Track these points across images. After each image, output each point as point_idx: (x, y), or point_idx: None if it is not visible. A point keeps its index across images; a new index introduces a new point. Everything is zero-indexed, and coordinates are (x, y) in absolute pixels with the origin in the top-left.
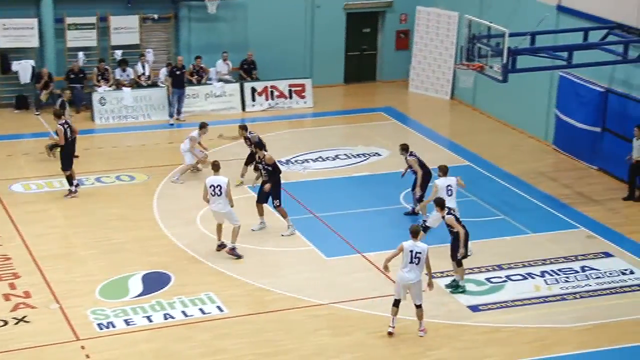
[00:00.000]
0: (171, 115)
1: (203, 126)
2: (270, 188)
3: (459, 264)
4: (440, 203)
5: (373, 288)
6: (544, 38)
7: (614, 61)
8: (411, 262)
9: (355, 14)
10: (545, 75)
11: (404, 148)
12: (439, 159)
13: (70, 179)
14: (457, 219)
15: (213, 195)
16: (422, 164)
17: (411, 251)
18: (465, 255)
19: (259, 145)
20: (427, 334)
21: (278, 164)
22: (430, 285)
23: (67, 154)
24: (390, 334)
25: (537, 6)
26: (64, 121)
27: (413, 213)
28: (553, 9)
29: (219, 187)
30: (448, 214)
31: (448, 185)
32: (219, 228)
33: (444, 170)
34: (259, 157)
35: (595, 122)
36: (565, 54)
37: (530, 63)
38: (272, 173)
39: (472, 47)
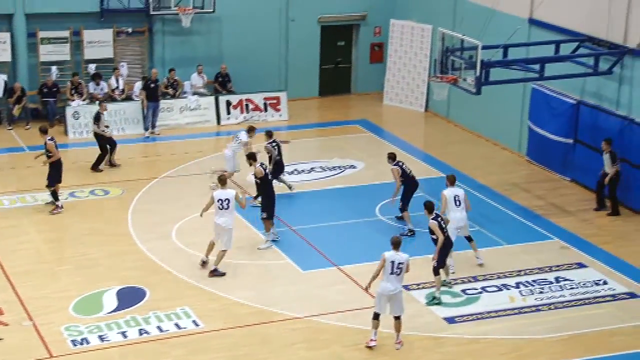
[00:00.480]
0: (146, 129)
1: (251, 129)
2: (262, 200)
3: (435, 272)
4: (429, 207)
5: (349, 301)
6: (516, 51)
7: (584, 73)
8: (392, 272)
9: (329, 27)
10: (518, 88)
11: (390, 157)
12: (414, 171)
13: (55, 194)
14: (441, 226)
15: (220, 209)
16: (405, 175)
17: (392, 262)
18: (442, 265)
19: (251, 156)
20: (403, 347)
21: (267, 177)
22: (367, 285)
23: (56, 170)
24: (370, 347)
25: (509, 19)
26: (51, 136)
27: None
28: (525, 22)
29: (227, 201)
30: (434, 219)
31: (456, 196)
32: (211, 246)
33: (451, 180)
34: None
35: (567, 134)
36: (537, 67)
37: (503, 75)
38: (260, 186)
39: (446, 59)
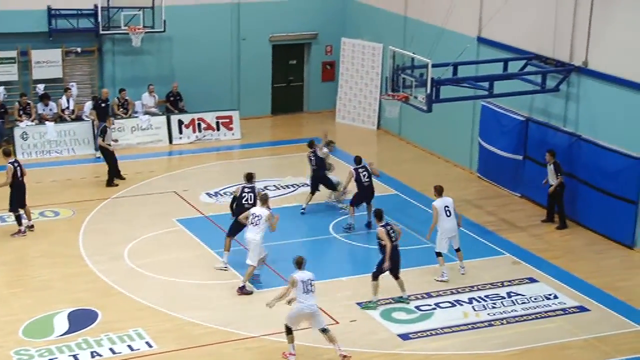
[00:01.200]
0: (97, 149)
1: (330, 143)
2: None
3: (374, 277)
4: (378, 214)
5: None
6: (466, 69)
7: (532, 91)
8: (305, 291)
9: (281, 46)
10: (469, 105)
11: (355, 160)
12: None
13: (19, 219)
14: (389, 234)
15: (251, 224)
16: (358, 181)
17: (303, 281)
18: (379, 273)
19: (247, 177)
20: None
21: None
22: (270, 304)
23: (17, 193)
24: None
25: (458, 37)
26: (14, 159)
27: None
28: (474, 40)
29: (258, 218)
30: (383, 226)
31: (446, 206)
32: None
33: (439, 191)
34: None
35: (516, 150)
36: (486, 84)
37: (453, 93)
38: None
39: (397, 77)
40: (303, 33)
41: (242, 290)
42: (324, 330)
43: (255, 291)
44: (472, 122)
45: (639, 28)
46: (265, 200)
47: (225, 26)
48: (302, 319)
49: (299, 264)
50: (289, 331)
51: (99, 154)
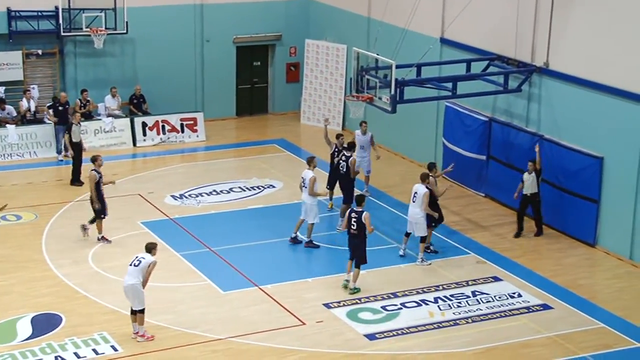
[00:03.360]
0: (59, 152)
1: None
2: None
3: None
4: (359, 200)
5: (270, 320)
6: (429, 69)
7: (495, 91)
8: (131, 264)
9: (245, 48)
10: (432, 106)
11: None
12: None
13: None
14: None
15: (301, 187)
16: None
17: (136, 257)
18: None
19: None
20: (147, 341)
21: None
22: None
23: None
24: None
25: (422, 39)
26: None
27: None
28: (437, 41)
29: (304, 181)
30: (360, 212)
31: (415, 192)
32: (300, 222)
33: (421, 177)
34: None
35: (480, 150)
36: (450, 85)
37: (417, 94)
38: None
39: (361, 79)
40: (267, 34)
41: (310, 244)
42: (136, 312)
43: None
44: (436, 123)
45: (597, 29)
46: (310, 162)
47: (188, 28)
48: (126, 295)
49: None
50: (131, 311)
51: (61, 157)
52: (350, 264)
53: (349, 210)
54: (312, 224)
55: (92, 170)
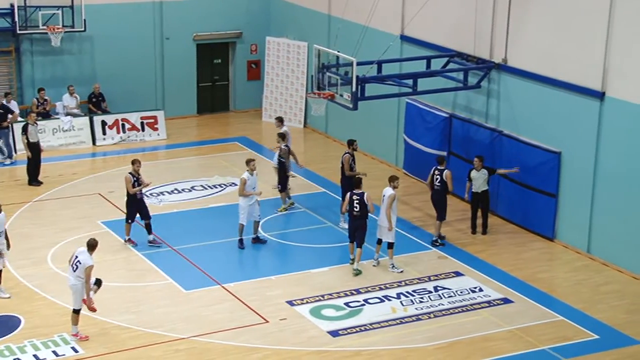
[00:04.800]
0: (10, 156)
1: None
2: None
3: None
4: (357, 183)
5: (233, 319)
6: (390, 66)
7: (455, 88)
8: (70, 265)
9: (205, 45)
10: (393, 102)
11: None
12: (294, 187)
13: None
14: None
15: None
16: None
17: (75, 257)
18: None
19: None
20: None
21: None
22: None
23: None
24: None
25: (382, 36)
26: None
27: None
28: (397, 38)
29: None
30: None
31: (383, 195)
32: (254, 224)
33: (389, 179)
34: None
35: (440, 146)
36: (410, 82)
37: (378, 91)
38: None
39: (322, 76)
40: (227, 32)
41: (240, 243)
42: (74, 311)
43: None
44: (397, 119)
45: (554, 26)
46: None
47: (147, 25)
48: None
49: (88, 245)
50: (74, 311)
51: (8, 161)
52: (352, 246)
53: (349, 193)
54: (242, 224)
55: (129, 173)
